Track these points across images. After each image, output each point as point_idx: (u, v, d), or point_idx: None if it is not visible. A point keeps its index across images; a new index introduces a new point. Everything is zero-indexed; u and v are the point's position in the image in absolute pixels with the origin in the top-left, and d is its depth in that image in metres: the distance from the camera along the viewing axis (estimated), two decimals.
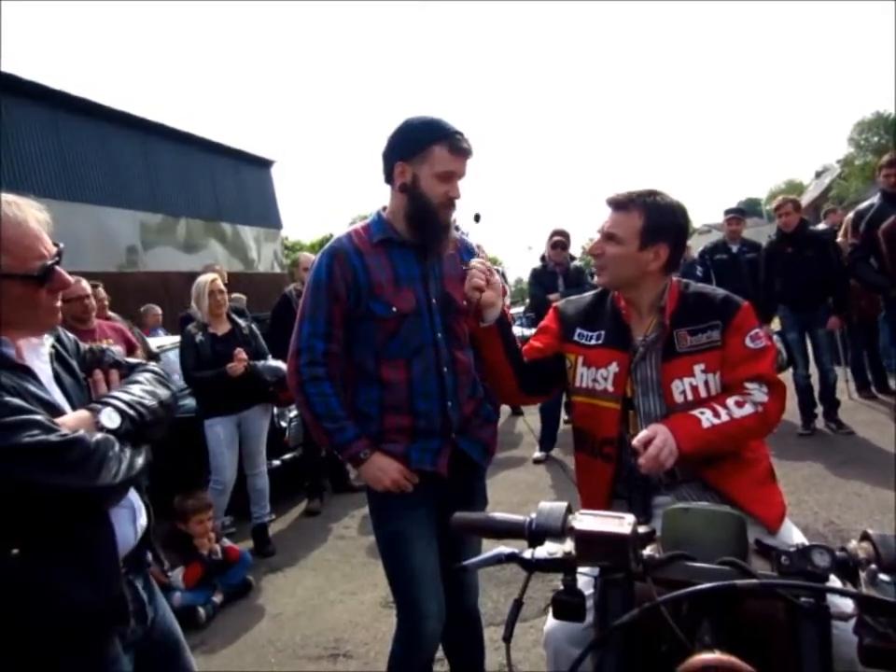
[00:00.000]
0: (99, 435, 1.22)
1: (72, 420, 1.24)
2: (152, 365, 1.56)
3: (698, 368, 1.64)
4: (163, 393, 1.44)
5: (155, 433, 1.39)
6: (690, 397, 1.63)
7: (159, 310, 7.54)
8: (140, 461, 1.30)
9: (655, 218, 1.66)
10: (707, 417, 1.55)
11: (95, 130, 12.99)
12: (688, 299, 1.72)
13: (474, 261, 1.79)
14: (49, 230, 1.28)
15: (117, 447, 1.23)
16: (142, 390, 1.39)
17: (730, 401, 1.58)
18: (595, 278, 1.79)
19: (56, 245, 1.29)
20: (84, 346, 1.48)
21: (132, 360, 1.55)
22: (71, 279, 1.31)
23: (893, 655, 0.82)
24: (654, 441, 1.48)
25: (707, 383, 1.63)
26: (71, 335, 1.47)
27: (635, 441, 1.51)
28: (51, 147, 11.75)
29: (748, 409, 1.57)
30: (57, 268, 1.26)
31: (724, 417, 1.55)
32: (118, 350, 1.56)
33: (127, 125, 14.07)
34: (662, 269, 1.71)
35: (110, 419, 1.27)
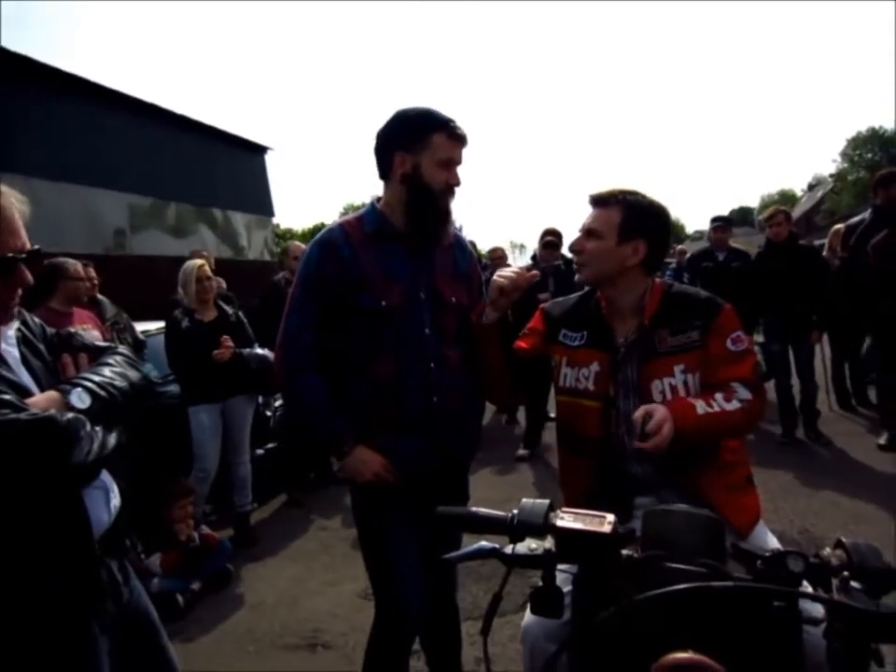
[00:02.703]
0: (70, 415, 1.21)
1: (41, 400, 1.23)
2: (122, 348, 1.55)
3: (678, 368, 1.67)
4: (134, 375, 1.44)
5: (127, 415, 1.39)
6: (669, 396, 1.65)
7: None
8: (112, 441, 1.29)
9: (633, 214, 1.71)
10: (700, 405, 1.58)
11: (84, 108, 12.78)
12: (670, 299, 1.75)
13: (507, 271, 1.77)
14: (26, 220, 1.27)
15: (88, 427, 1.23)
16: (112, 372, 1.39)
17: (717, 396, 1.61)
18: (577, 275, 1.81)
19: (33, 246, 1.27)
20: (51, 330, 1.47)
21: (101, 344, 1.54)
22: (30, 279, 1.29)
23: (859, 661, 0.84)
24: (655, 416, 1.49)
25: (686, 382, 1.67)
26: (37, 319, 1.46)
27: (635, 415, 1.53)
28: (38, 125, 11.57)
29: (735, 404, 1.61)
30: (21, 265, 1.24)
31: (716, 408, 1.59)
32: (95, 335, 1.55)
33: (118, 105, 13.83)
34: (641, 266, 1.73)
35: (80, 400, 1.26)
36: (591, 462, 1.71)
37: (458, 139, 1.83)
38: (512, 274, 1.72)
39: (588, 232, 1.74)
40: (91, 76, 14.16)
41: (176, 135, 15.68)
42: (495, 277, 1.74)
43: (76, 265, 3.85)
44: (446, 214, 1.88)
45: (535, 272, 1.77)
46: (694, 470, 1.62)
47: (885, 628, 0.82)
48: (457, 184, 1.86)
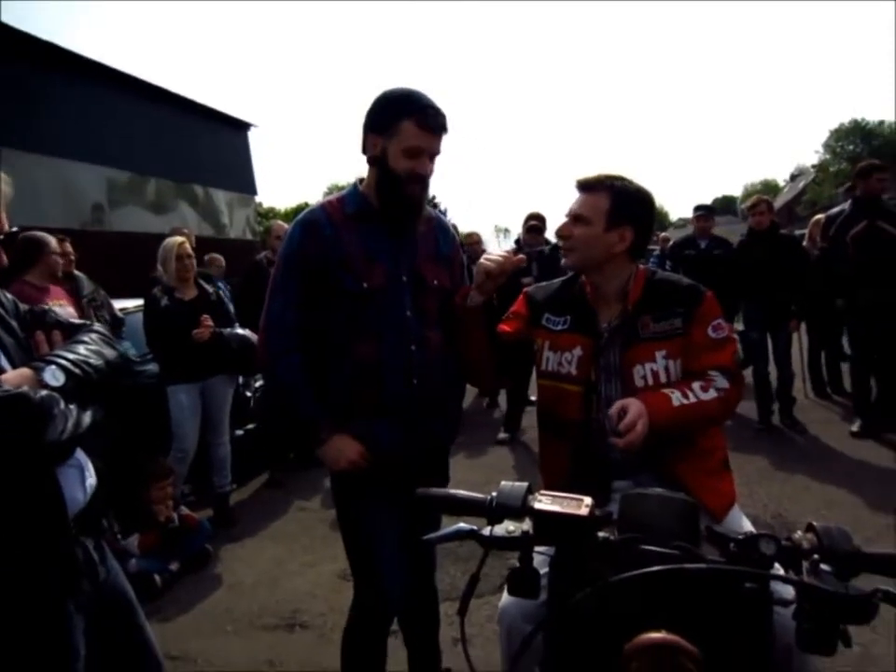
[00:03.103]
0: (43, 392, 1.19)
1: (13, 377, 1.21)
2: (98, 326, 1.53)
3: (660, 354, 1.68)
4: (110, 353, 1.42)
5: (102, 393, 1.37)
6: (650, 381, 1.67)
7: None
8: (87, 420, 1.28)
9: (621, 200, 1.70)
10: (676, 396, 1.59)
11: (63, 80, 12.46)
12: (653, 286, 1.76)
13: (494, 254, 1.75)
14: (9, 200, 1.24)
15: (62, 404, 1.21)
16: (87, 349, 1.37)
17: (695, 385, 1.63)
18: (563, 260, 1.80)
19: (12, 229, 1.25)
20: (24, 307, 1.44)
21: (75, 321, 1.51)
22: (5, 260, 1.27)
23: (827, 641, 0.86)
24: (629, 413, 1.50)
25: (667, 368, 1.68)
26: (10, 295, 1.44)
27: (611, 411, 1.54)
28: (14, 95, 11.28)
29: (712, 393, 1.62)
30: None
31: (692, 398, 1.60)
32: (69, 311, 1.53)
33: (97, 77, 13.50)
34: (627, 253, 1.74)
35: (54, 377, 1.24)
36: (571, 445, 1.72)
37: (429, 129, 1.77)
38: (499, 258, 1.71)
39: (576, 218, 1.73)
40: (69, 46, 13.79)
41: (157, 110, 15.37)
42: (481, 260, 1.73)
43: (54, 240, 3.80)
44: (413, 202, 1.84)
45: (521, 256, 1.77)
46: (671, 456, 1.64)
47: (853, 610, 0.84)
48: (425, 173, 1.81)
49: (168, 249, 4.07)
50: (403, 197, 1.81)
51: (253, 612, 3.12)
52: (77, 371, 1.29)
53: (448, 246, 2.02)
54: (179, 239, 4.20)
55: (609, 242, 1.71)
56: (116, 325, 4.35)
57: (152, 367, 4.35)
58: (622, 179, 1.73)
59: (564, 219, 1.79)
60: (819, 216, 6.10)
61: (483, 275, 1.71)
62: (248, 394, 5.13)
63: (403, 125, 1.75)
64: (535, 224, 5.87)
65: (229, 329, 4.14)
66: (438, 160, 1.85)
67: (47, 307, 1.53)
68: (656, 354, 1.68)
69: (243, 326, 4.22)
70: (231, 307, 4.38)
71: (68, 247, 4.35)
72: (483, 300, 1.76)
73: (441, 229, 2.02)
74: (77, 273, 4.49)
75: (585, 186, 1.75)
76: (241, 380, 4.75)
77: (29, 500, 1.23)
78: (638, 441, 1.49)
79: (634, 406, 1.51)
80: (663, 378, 1.67)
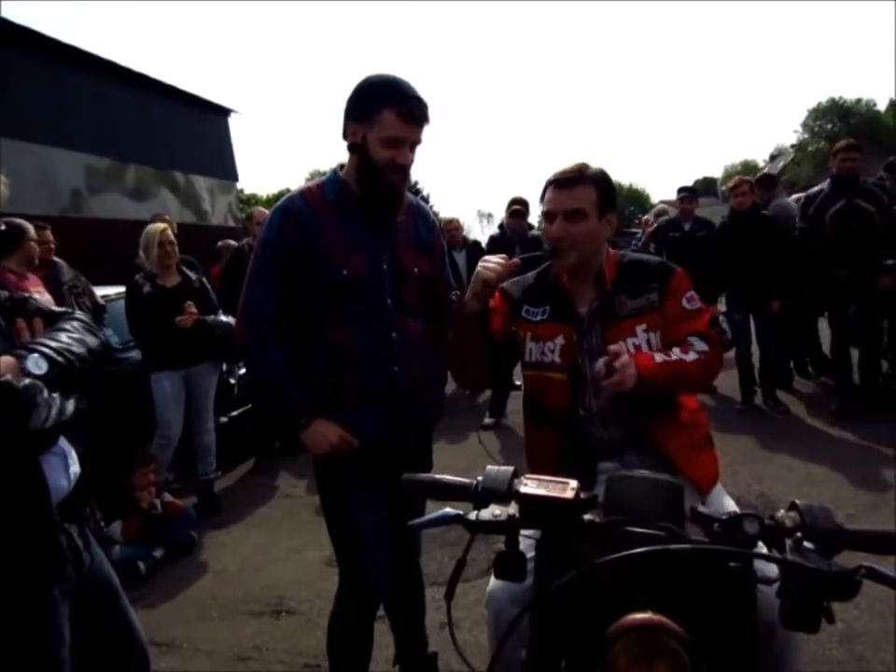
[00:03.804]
0: (26, 380, 1.19)
1: None
2: (80, 314, 1.52)
3: (640, 328, 1.71)
4: (92, 341, 1.41)
5: (85, 381, 1.37)
6: None
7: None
8: (70, 408, 1.28)
9: (603, 188, 1.72)
10: (659, 356, 1.64)
11: (40, 64, 12.21)
12: (625, 267, 1.79)
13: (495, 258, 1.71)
14: (4, 200, 1.23)
15: (45, 392, 1.21)
16: (69, 337, 1.36)
17: (675, 349, 1.67)
18: (559, 261, 1.75)
19: None
20: (4, 294, 1.43)
21: (57, 309, 1.51)
22: None
23: (811, 618, 0.87)
24: (620, 357, 1.54)
25: (648, 341, 1.71)
26: None
27: (598, 363, 1.58)
28: None
29: (692, 355, 1.66)
30: None
31: (674, 357, 1.64)
32: (46, 298, 1.51)
33: (75, 62, 13.24)
34: (610, 237, 1.77)
35: (37, 365, 1.24)
36: (557, 431, 1.73)
37: (410, 119, 1.75)
38: (497, 266, 1.66)
39: (571, 214, 1.69)
40: (46, 30, 13.51)
41: (136, 95, 15.11)
42: (479, 269, 1.68)
43: (32, 227, 3.75)
44: (393, 191, 1.83)
45: (516, 260, 1.70)
46: (655, 428, 1.66)
47: (836, 587, 0.85)
48: (405, 163, 1.79)
49: (150, 236, 4.03)
50: (383, 186, 1.80)
51: (238, 599, 3.12)
52: (59, 359, 1.29)
53: (428, 233, 2.02)
54: (161, 226, 4.15)
55: (602, 231, 1.73)
56: (97, 312, 4.30)
57: (134, 354, 4.32)
58: (588, 166, 1.74)
59: (556, 221, 1.72)
60: (799, 195, 6.13)
61: (481, 284, 1.67)
62: (232, 381, 5.11)
63: (384, 114, 1.73)
64: (518, 209, 5.86)
65: (212, 317, 4.11)
66: (419, 147, 1.83)
67: (28, 294, 1.51)
68: (636, 328, 1.71)
69: (225, 313, 4.18)
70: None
71: (48, 235, 4.28)
72: (480, 307, 1.72)
73: (420, 216, 2.01)
74: (57, 260, 4.42)
75: (569, 181, 1.71)
76: (225, 367, 4.72)
77: (12, 488, 1.23)
78: (629, 382, 1.52)
79: (624, 355, 1.55)
80: (645, 350, 1.70)
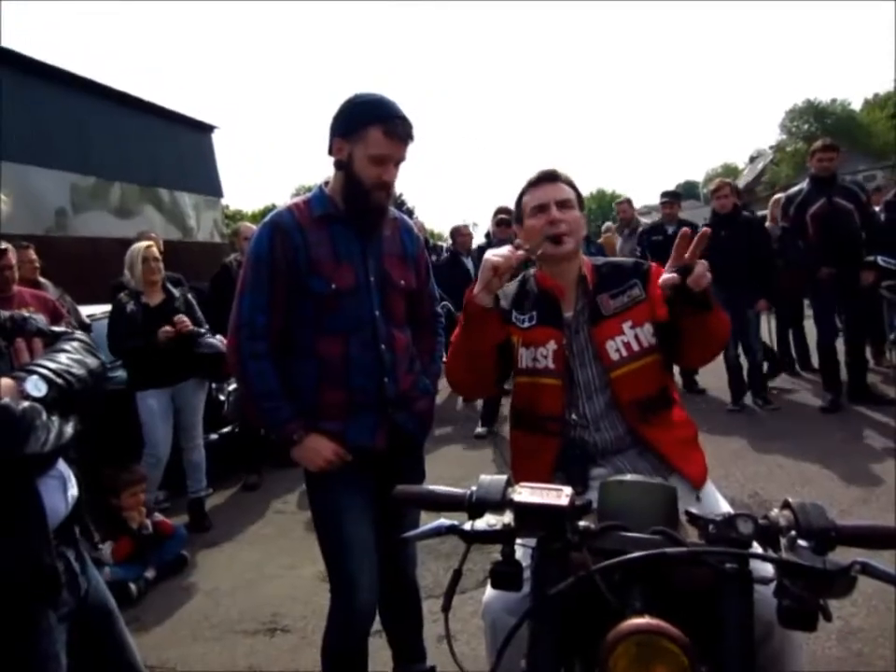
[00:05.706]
0: (25, 403, 1.17)
1: None
2: (79, 334, 1.50)
3: (626, 325, 1.72)
4: (92, 362, 1.39)
5: (84, 403, 1.35)
6: (624, 353, 1.70)
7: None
8: (69, 430, 1.26)
9: (575, 188, 1.84)
10: None
11: (22, 84, 12.17)
12: (601, 269, 1.83)
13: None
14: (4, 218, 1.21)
15: (44, 416, 1.19)
16: (69, 359, 1.34)
17: None
18: (561, 247, 1.74)
19: None
20: (4, 314, 1.40)
21: (56, 329, 1.48)
22: None
23: (808, 616, 0.87)
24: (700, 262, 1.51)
25: (636, 336, 1.71)
26: None
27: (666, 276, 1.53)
28: None
29: None
30: None
31: None
32: (40, 318, 1.49)
33: (58, 81, 13.22)
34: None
35: (36, 388, 1.22)
36: (552, 439, 1.72)
37: (396, 137, 1.79)
38: (507, 252, 1.59)
39: (563, 203, 1.76)
40: (28, 51, 13.47)
41: (120, 114, 15.08)
42: (487, 256, 1.58)
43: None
44: (379, 209, 1.87)
45: (521, 253, 1.61)
46: (650, 425, 1.67)
47: (832, 584, 0.85)
48: (390, 181, 1.84)
49: (135, 253, 4.02)
50: (368, 204, 1.84)
51: (232, 618, 3.08)
52: (59, 380, 1.27)
53: (413, 246, 2.04)
54: (146, 243, 4.16)
55: (583, 226, 1.82)
56: (83, 331, 4.26)
57: (121, 373, 4.27)
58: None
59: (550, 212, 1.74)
60: (779, 195, 6.20)
61: (490, 272, 1.56)
62: (221, 398, 5.07)
63: (370, 132, 1.76)
64: (504, 217, 5.90)
65: (202, 339, 4.07)
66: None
67: (27, 314, 1.49)
68: (623, 326, 1.72)
69: (213, 329, 4.16)
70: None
71: (32, 254, 4.25)
72: (491, 299, 1.61)
73: (405, 229, 2.04)
74: (42, 279, 4.39)
75: (553, 176, 1.81)
76: (213, 384, 4.68)
77: (9, 511, 1.21)
78: (706, 280, 1.50)
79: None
80: (635, 347, 1.71)
